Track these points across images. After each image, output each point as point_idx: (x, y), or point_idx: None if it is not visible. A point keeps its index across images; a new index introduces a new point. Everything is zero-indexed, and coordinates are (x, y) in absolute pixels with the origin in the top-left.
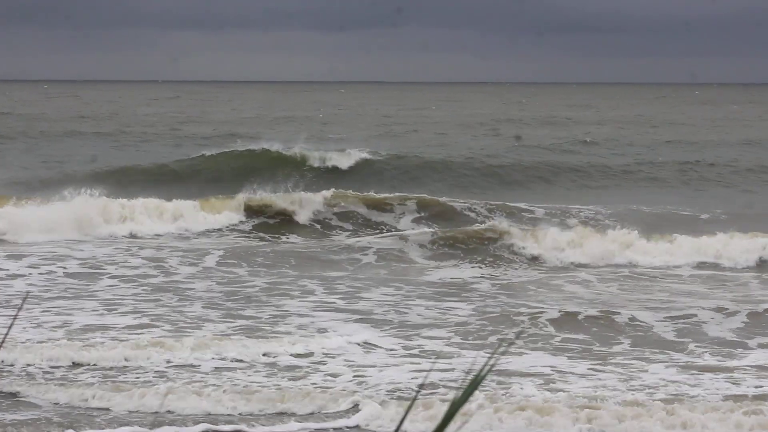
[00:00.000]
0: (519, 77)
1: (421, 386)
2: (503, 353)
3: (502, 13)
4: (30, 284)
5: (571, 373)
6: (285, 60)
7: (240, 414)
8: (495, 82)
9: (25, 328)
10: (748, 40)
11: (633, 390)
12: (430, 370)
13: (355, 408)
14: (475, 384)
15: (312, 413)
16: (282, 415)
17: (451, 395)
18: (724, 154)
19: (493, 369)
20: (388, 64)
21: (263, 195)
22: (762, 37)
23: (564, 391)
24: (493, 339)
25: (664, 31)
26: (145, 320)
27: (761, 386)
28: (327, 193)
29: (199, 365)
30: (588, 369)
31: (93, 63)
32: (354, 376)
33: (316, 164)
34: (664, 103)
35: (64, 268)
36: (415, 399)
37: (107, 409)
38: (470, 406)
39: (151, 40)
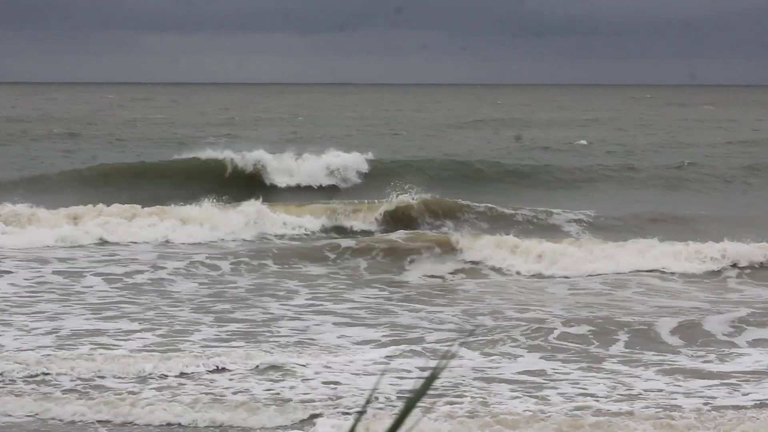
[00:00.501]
0: (490, 79)
1: (368, 401)
2: (457, 351)
3: (473, 15)
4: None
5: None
6: (261, 61)
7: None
8: (470, 83)
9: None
10: (729, 42)
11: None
12: (384, 373)
13: (311, 419)
14: (430, 381)
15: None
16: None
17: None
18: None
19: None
20: (359, 66)
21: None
22: (738, 39)
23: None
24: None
25: (637, 33)
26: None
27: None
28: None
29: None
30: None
31: (70, 65)
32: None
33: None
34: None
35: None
36: (362, 413)
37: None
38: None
39: (127, 42)
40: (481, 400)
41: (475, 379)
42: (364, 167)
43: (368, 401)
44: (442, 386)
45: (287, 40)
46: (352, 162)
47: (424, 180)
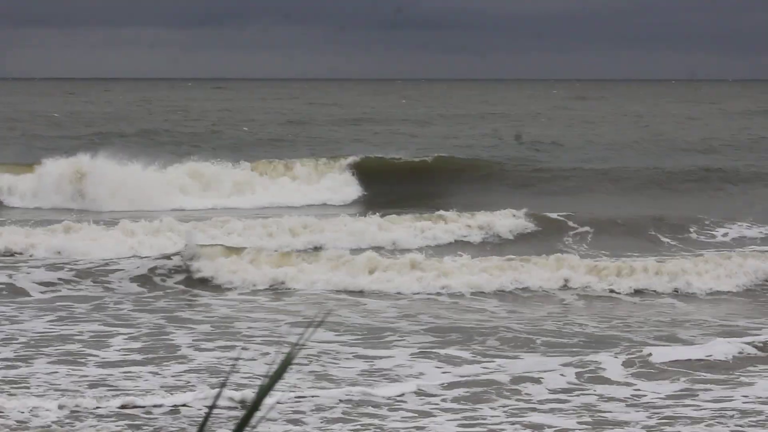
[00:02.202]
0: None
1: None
2: (309, 337)
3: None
4: None
5: None
6: (144, 56)
7: None
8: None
9: None
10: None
11: None
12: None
13: None
14: (282, 369)
15: None
16: None
17: None
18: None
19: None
20: (231, 61)
21: None
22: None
23: None
24: None
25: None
26: None
27: None
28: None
29: None
30: None
31: None
32: None
33: None
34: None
35: None
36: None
37: None
38: None
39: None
40: None
41: None
42: None
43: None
44: None
45: (162, 35)
46: None
47: None
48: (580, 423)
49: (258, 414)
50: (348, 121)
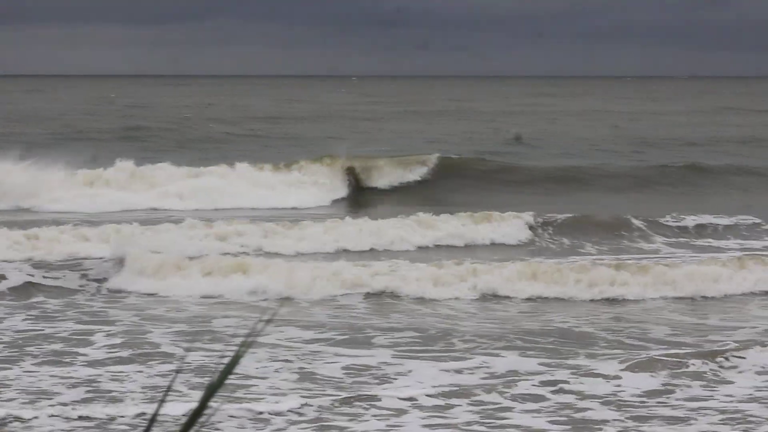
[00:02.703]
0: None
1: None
2: (258, 334)
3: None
4: None
5: None
6: (88, 54)
7: None
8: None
9: None
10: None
11: None
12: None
13: None
14: (231, 365)
15: None
16: None
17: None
18: None
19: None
20: (193, 58)
21: None
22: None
23: None
24: None
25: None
26: None
27: None
28: None
29: None
30: None
31: None
32: None
33: None
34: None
35: None
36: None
37: None
38: None
39: None
40: None
41: None
42: None
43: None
44: None
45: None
46: None
47: None
48: (554, 423)
49: (206, 412)
50: (310, 118)
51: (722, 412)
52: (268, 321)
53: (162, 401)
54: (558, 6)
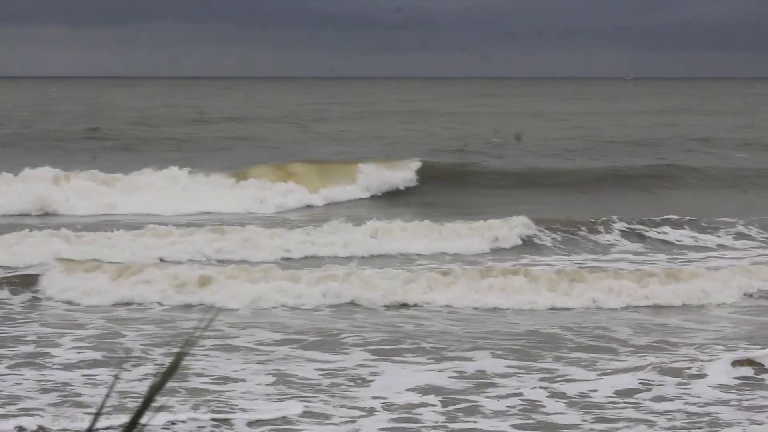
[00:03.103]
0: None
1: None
2: (201, 334)
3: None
4: None
5: None
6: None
7: None
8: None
9: None
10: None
11: None
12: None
13: None
14: (173, 367)
15: None
16: None
17: None
18: None
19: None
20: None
21: None
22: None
23: None
24: None
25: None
26: None
27: None
28: None
29: None
30: None
31: None
32: None
33: None
34: None
35: None
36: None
37: None
38: None
39: None
40: None
41: None
42: None
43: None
44: None
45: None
46: None
47: None
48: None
49: (148, 413)
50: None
51: (690, 414)
52: (208, 324)
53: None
54: (503, 7)
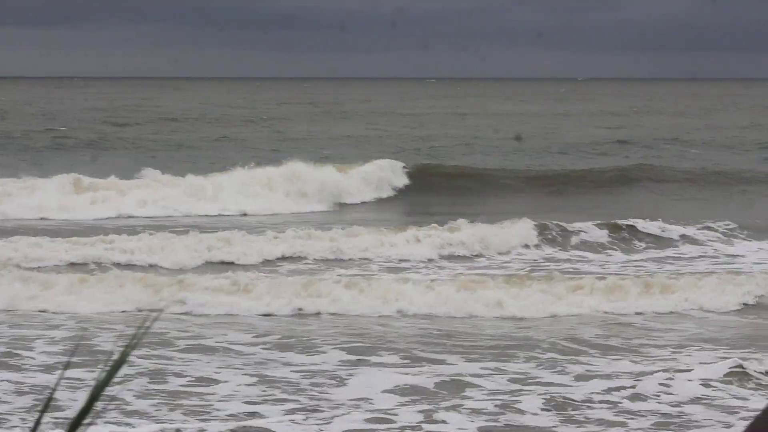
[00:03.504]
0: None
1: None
2: (148, 329)
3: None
4: None
5: None
6: None
7: None
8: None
9: None
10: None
11: None
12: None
13: None
14: (119, 364)
15: None
16: None
17: None
18: None
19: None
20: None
21: None
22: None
23: None
24: None
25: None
26: None
27: None
28: None
29: None
30: None
31: None
32: None
33: None
34: None
35: None
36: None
37: None
38: None
39: None
40: None
41: None
42: None
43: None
44: None
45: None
46: None
47: None
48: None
49: (93, 410)
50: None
51: (665, 414)
52: (151, 324)
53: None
54: (447, 7)
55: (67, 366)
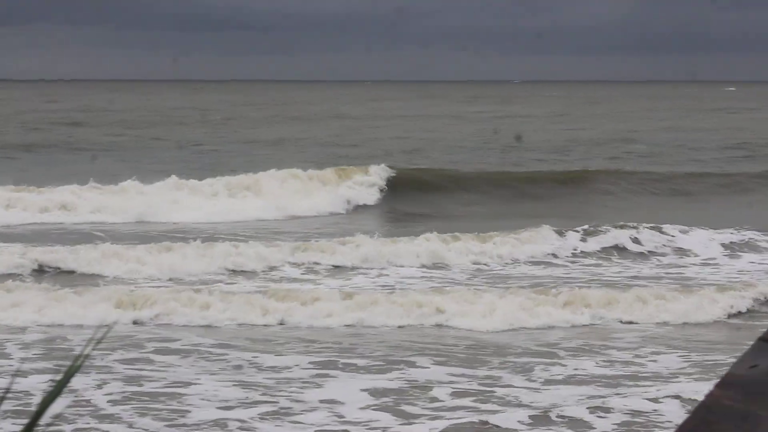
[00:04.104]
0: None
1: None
2: (102, 339)
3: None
4: None
5: None
6: None
7: None
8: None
9: None
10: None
11: None
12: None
13: None
14: (69, 375)
15: None
16: None
17: None
18: None
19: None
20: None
21: None
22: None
23: None
24: None
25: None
26: None
27: None
28: None
29: None
30: None
31: None
32: None
33: None
34: None
35: None
36: None
37: None
38: None
39: None
40: None
41: None
42: None
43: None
44: None
45: None
46: None
47: None
48: None
49: (40, 424)
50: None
51: (636, 413)
52: (104, 335)
53: None
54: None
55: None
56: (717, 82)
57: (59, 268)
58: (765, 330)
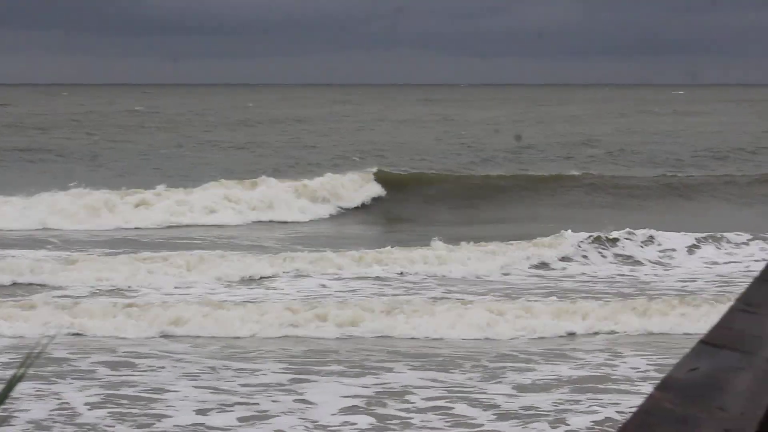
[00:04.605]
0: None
1: None
2: (51, 340)
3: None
4: None
5: None
6: None
7: None
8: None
9: None
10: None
11: None
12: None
13: None
14: (16, 379)
15: None
16: None
17: None
18: None
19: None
20: None
21: None
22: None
23: None
24: None
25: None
26: None
27: None
28: None
29: None
30: None
31: None
32: None
33: None
34: None
35: None
36: None
37: None
38: None
39: None
40: None
41: None
42: None
43: None
44: None
45: None
46: None
47: None
48: None
49: None
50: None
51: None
52: (47, 345)
53: None
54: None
55: None
56: (667, 85)
57: None
58: (705, 333)
